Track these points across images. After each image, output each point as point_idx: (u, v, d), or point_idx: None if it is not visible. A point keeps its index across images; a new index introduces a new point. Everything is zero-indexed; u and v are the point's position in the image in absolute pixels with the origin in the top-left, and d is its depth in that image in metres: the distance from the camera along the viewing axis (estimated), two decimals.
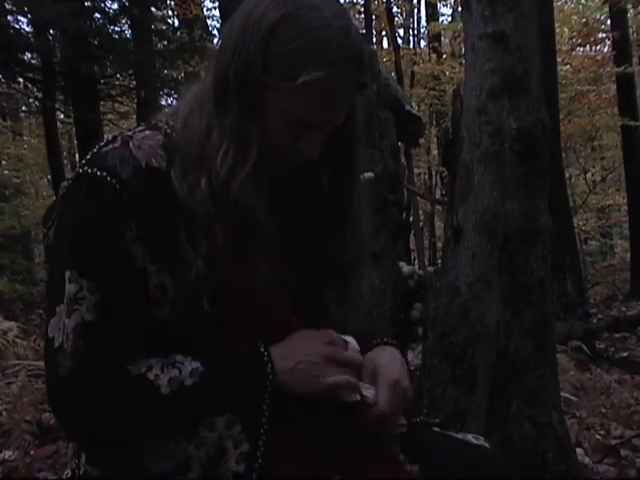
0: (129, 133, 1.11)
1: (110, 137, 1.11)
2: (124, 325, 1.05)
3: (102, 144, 1.10)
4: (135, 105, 10.30)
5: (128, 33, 9.54)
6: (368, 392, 1.11)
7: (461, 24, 3.33)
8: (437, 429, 1.26)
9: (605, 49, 14.10)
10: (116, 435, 1.06)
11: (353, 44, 1.04)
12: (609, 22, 12.84)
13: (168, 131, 1.11)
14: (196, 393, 1.04)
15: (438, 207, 12.29)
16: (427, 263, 8.56)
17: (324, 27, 1.02)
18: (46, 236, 1.13)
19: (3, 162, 14.62)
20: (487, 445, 1.24)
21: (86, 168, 1.06)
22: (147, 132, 1.11)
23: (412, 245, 6.90)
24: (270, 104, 1.05)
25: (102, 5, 9.23)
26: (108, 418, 1.05)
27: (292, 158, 1.11)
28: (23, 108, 12.93)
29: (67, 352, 1.03)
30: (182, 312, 1.05)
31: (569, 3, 14.45)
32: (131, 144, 1.08)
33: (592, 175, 16.52)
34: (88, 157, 1.08)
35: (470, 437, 1.26)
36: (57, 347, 1.03)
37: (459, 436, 1.27)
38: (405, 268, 4.09)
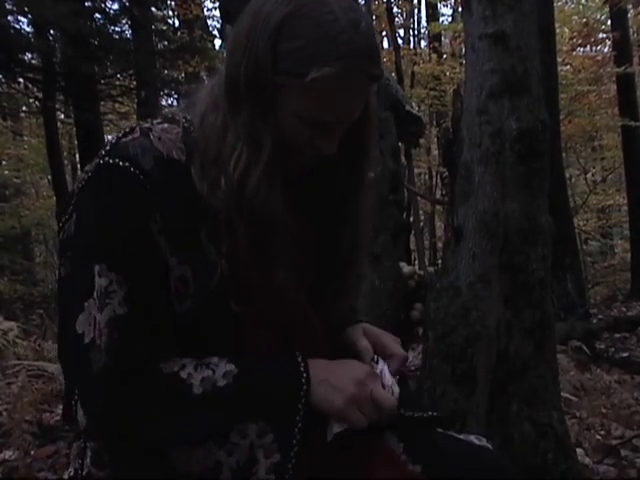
0: (147, 125, 1.10)
1: (127, 129, 1.10)
2: (153, 318, 1.03)
3: (120, 135, 1.08)
4: (135, 105, 10.32)
5: (128, 33, 9.56)
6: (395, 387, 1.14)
7: (461, 24, 3.32)
8: (440, 430, 1.26)
9: (605, 49, 14.10)
10: (147, 434, 1.03)
11: (363, 38, 1.02)
12: (609, 22, 12.83)
13: (186, 125, 1.10)
14: (228, 395, 1.02)
15: (438, 207, 12.30)
16: (427, 263, 8.56)
17: (332, 22, 1.00)
18: (61, 230, 1.10)
19: (3, 162, 14.65)
20: (489, 446, 1.24)
21: (107, 159, 1.04)
22: (165, 125, 1.10)
23: (412, 245, 6.90)
24: (283, 103, 1.04)
25: (102, 5, 9.25)
26: (140, 415, 1.02)
27: (309, 155, 1.10)
28: (23, 108, 12.93)
29: (100, 347, 1.00)
30: (203, 306, 1.04)
31: (569, 3, 14.43)
32: (151, 135, 1.07)
33: (592, 175, 16.51)
34: (107, 148, 1.06)
35: (472, 438, 1.26)
36: (88, 343, 1.00)
37: (461, 437, 1.27)
38: (405, 268, 4.09)
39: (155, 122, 1.11)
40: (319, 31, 1.00)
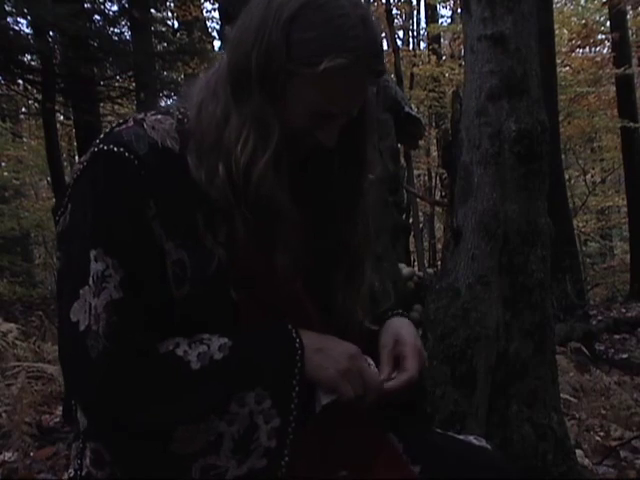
0: (141, 116, 1.11)
1: (121, 120, 1.11)
2: (149, 302, 1.03)
3: (114, 125, 1.10)
4: (135, 107, 10.32)
5: (128, 35, 9.55)
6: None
7: (460, 26, 3.33)
8: (439, 430, 1.26)
9: (605, 50, 14.13)
10: (149, 416, 1.03)
11: (371, 34, 1.06)
12: (608, 23, 12.86)
13: (180, 117, 1.11)
14: (226, 367, 1.03)
15: (438, 209, 12.31)
16: (427, 265, 8.56)
17: (344, 16, 1.04)
18: (58, 223, 1.10)
19: (3, 164, 14.66)
20: (489, 447, 1.25)
21: (102, 146, 1.05)
22: (159, 116, 1.11)
23: (412, 247, 6.91)
24: (292, 92, 1.06)
25: (102, 7, 9.25)
26: (142, 398, 1.02)
27: (308, 145, 1.12)
28: (23, 110, 12.97)
29: (99, 332, 0.99)
30: (201, 291, 1.05)
31: (568, 4, 14.46)
32: (145, 125, 1.08)
33: (592, 176, 16.52)
34: (102, 137, 1.08)
35: (472, 439, 1.26)
36: (84, 330, 1.00)
37: (461, 438, 1.27)
38: (405, 270, 4.09)
39: (149, 113, 1.13)
40: (331, 24, 1.04)
